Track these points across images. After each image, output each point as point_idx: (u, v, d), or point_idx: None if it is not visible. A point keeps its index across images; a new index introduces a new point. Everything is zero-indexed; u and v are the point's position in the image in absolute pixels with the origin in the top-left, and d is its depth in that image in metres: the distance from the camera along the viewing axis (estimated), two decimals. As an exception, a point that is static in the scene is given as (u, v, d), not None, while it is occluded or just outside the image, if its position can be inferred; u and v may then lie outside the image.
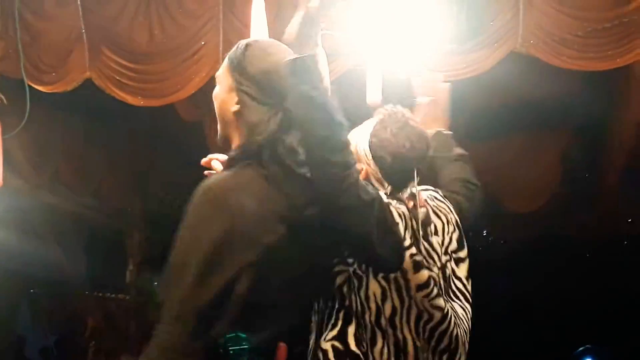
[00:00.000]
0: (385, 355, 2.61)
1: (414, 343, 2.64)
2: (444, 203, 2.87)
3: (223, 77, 2.41)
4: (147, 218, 9.20)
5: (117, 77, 6.02)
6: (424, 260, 2.63)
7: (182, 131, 7.73)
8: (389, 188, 2.72)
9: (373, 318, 2.62)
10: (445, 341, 2.66)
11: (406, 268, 2.58)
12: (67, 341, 8.57)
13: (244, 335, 2.13)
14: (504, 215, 8.86)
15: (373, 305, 2.61)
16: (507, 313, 11.62)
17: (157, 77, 6.11)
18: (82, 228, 8.53)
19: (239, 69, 2.36)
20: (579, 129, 8.17)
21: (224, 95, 2.38)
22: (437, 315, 2.63)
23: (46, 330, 8.23)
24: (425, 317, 2.63)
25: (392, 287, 2.61)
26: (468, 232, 2.89)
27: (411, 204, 2.71)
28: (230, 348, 2.14)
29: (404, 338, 2.63)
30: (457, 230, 2.83)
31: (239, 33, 5.62)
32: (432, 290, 2.61)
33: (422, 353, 2.64)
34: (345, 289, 2.63)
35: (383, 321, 2.61)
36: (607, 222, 9.62)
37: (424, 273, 2.61)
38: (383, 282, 2.61)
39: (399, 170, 2.73)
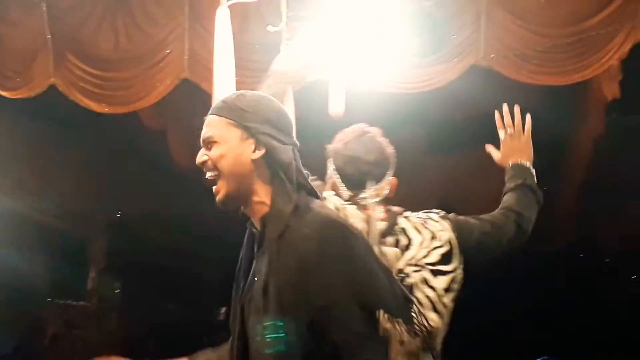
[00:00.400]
0: None
1: None
2: (438, 222, 3.00)
3: (226, 132, 2.39)
4: (109, 225, 9.17)
5: (82, 84, 6.01)
6: None
7: (145, 139, 7.73)
8: (348, 192, 2.90)
9: None
10: None
11: None
12: (27, 349, 8.50)
13: (281, 324, 2.16)
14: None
15: None
16: (462, 324, 11.70)
17: (121, 84, 6.11)
18: (44, 235, 8.46)
19: (251, 117, 2.37)
20: (538, 143, 8.27)
21: (236, 149, 2.37)
22: None
23: (5, 337, 8.15)
24: None
25: None
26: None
27: (368, 211, 2.89)
28: (267, 335, 2.19)
29: None
30: (444, 247, 2.93)
31: (204, 42, 5.65)
32: None
33: None
34: None
35: None
36: (565, 235, 9.77)
37: None
38: None
39: (351, 173, 2.92)
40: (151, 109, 6.65)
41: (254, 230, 2.39)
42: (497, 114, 3.38)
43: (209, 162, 2.37)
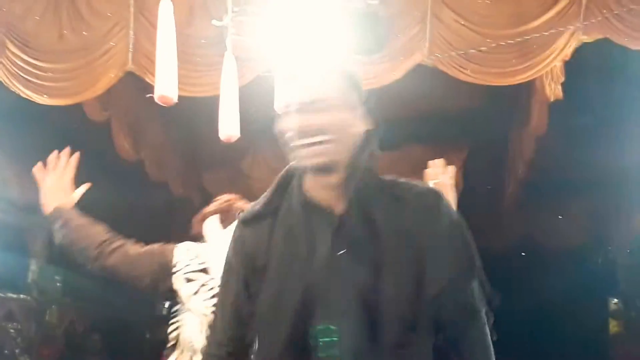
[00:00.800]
0: None
1: None
2: None
3: (340, 94, 2.13)
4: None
5: (23, 75, 5.91)
6: None
7: (89, 131, 7.66)
8: None
9: None
10: None
11: None
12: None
13: (333, 328, 2.10)
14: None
15: None
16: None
17: (64, 76, 6.03)
18: (-17, 227, 8.39)
19: (359, 85, 2.17)
20: (482, 141, 8.40)
21: (346, 116, 2.11)
22: None
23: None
24: None
25: None
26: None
27: None
28: (320, 339, 2.11)
29: None
30: None
31: (148, 35, 5.62)
32: None
33: None
34: None
35: None
36: (508, 233, 9.93)
37: None
38: None
39: None
40: (95, 101, 6.60)
41: (326, 208, 2.12)
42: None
43: (317, 126, 2.07)
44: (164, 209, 9.64)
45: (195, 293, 3.13)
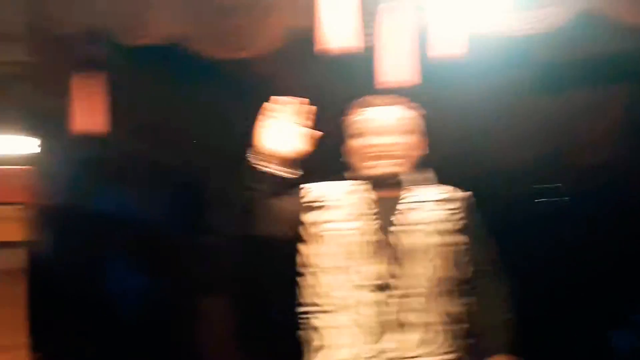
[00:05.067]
0: None
1: None
2: None
3: None
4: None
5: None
6: None
7: (256, 85, 7.92)
8: None
9: None
10: None
11: None
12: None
13: None
14: (570, 167, 9.02)
15: None
16: (568, 261, 11.73)
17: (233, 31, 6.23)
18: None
19: None
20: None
21: None
22: None
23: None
24: None
25: None
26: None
27: None
28: None
29: None
30: None
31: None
32: None
33: None
34: None
35: None
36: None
37: None
38: None
39: None
40: (261, 57, 6.80)
41: None
42: None
43: None
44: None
45: None
